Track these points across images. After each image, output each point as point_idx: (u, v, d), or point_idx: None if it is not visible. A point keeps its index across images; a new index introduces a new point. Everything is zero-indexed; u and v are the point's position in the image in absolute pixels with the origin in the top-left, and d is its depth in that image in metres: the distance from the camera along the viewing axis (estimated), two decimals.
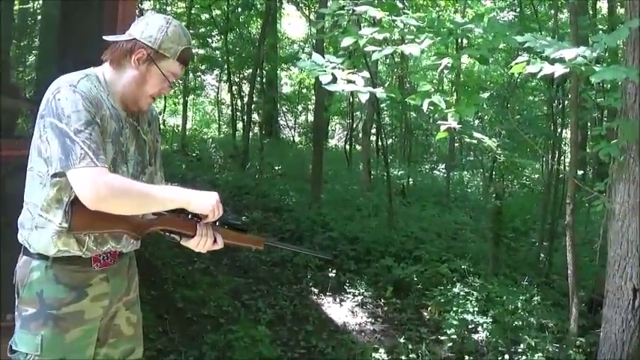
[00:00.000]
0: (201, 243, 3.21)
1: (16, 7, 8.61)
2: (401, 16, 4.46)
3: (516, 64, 4.07)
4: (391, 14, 4.40)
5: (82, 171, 2.90)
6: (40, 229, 3.13)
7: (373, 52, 4.47)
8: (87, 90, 3.05)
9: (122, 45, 3.16)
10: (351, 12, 4.67)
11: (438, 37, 4.41)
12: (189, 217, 3.20)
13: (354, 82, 4.28)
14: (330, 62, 4.41)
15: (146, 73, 3.16)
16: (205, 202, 3.16)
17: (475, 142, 6.61)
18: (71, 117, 2.95)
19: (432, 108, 4.44)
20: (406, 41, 4.54)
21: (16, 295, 3.23)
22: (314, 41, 18.61)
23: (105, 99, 3.12)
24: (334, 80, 4.33)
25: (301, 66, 4.66)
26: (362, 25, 5.23)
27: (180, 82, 20.26)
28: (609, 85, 8.90)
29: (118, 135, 3.16)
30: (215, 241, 3.25)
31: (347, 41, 4.43)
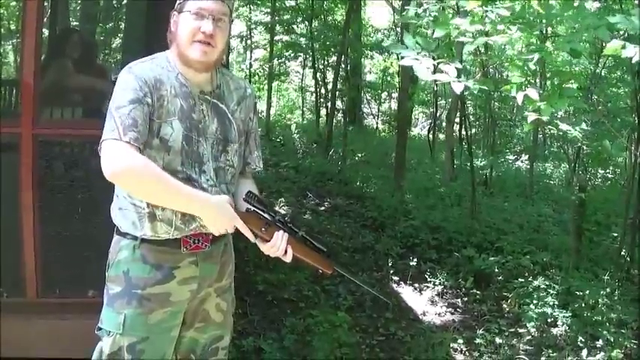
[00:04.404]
0: (272, 250, 3.23)
1: None
2: (492, 6, 4.41)
3: (611, 46, 3.98)
4: (483, 5, 4.35)
5: (106, 143, 2.98)
6: (124, 210, 3.21)
7: (465, 43, 4.43)
8: (143, 71, 3.12)
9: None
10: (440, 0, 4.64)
11: (529, 28, 4.35)
12: (269, 225, 3.23)
13: (446, 73, 4.24)
14: (423, 48, 4.37)
15: (177, 26, 3.20)
16: (215, 224, 3.16)
17: (562, 133, 6.54)
18: (119, 94, 3.05)
19: (525, 98, 4.36)
20: (496, 32, 4.48)
21: (106, 273, 3.30)
22: (398, 30, 18.57)
23: (173, 78, 3.18)
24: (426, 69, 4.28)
25: (392, 49, 4.63)
26: (447, 13, 5.20)
27: (265, 68, 20.45)
28: None
29: (189, 112, 3.19)
30: (286, 252, 3.25)
31: (439, 32, 4.39)
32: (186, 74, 3.21)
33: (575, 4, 4.40)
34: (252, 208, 3.24)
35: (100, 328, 3.26)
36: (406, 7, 5.12)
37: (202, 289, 3.34)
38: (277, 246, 3.21)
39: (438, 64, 4.35)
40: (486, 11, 4.38)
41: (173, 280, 3.22)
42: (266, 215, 3.24)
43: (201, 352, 3.48)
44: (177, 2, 3.20)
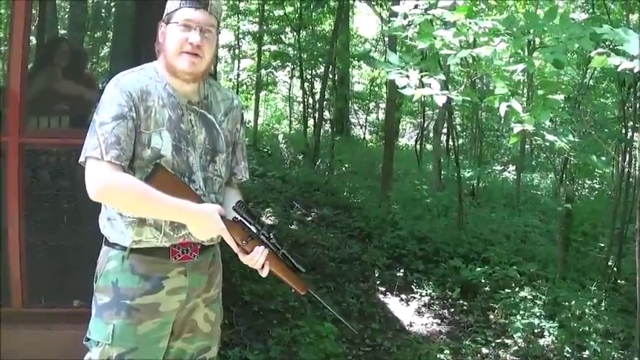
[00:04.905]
0: (251, 262, 3.23)
1: None
2: (476, 18, 4.43)
3: (598, 54, 3.98)
4: (468, 17, 4.37)
5: (88, 162, 3.01)
6: (112, 220, 3.20)
7: (448, 55, 4.45)
8: (130, 83, 3.12)
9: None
10: (424, 12, 4.64)
11: (512, 39, 4.36)
12: (251, 238, 3.23)
13: (429, 86, 4.26)
14: (406, 63, 4.40)
15: (165, 37, 3.20)
16: (202, 232, 3.20)
17: (548, 144, 6.56)
18: (104, 109, 3.06)
19: (508, 110, 4.39)
20: (479, 43, 4.51)
21: (94, 284, 3.29)
22: (386, 40, 18.60)
23: (160, 89, 3.18)
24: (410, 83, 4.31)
25: (378, 66, 4.66)
26: (434, 25, 5.21)
27: (253, 77, 20.44)
28: None
29: (178, 122, 3.20)
30: (263, 267, 3.26)
31: (423, 44, 4.41)
32: (174, 85, 3.21)
33: (560, 10, 4.41)
34: (239, 218, 3.24)
35: (89, 339, 3.25)
36: (392, 19, 5.13)
37: (191, 299, 3.33)
38: (255, 260, 3.22)
39: (423, 76, 4.37)
40: (470, 23, 4.39)
41: (162, 291, 3.22)
42: (251, 227, 3.24)
43: None
44: (165, 13, 3.20)
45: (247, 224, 3.23)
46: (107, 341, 3.17)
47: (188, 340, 3.41)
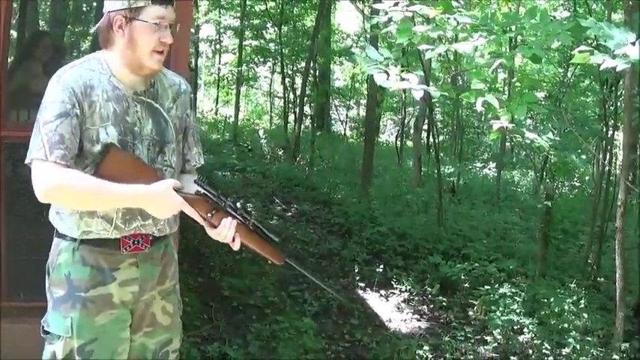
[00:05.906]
0: (220, 236, 3.17)
1: None
2: (455, 14, 4.44)
3: (580, 52, 3.97)
4: (445, 12, 4.38)
5: (34, 164, 2.98)
6: (60, 213, 3.19)
7: (426, 50, 4.46)
8: (73, 79, 3.05)
9: (101, 25, 3.17)
10: (404, 9, 4.65)
11: (492, 35, 4.37)
12: (217, 210, 3.16)
13: (407, 80, 4.27)
14: (385, 58, 4.41)
15: (132, 34, 3.10)
16: (161, 211, 3.14)
17: (528, 141, 6.59)
18: (47, 108, 3.01)
19: (485, 107, 4.40)
20: (459, 39, 4.53)
21: (46, 277, 3.27)
22: (367, 36, 18.60)
23: (105, 81, 3.11)
24: (388, 77, 4.32)
25: (356, 61, 4.67)
26: (416, 21, 5.22)
27: (234, 72, 20.40)
28: None
29: (123, 115, 3.13)
30: (234, 240, 3.20)
31: (401, 39, 4.42)
32: (120, 76, 3.15)
33: (540, 6, 4.43)
34: (202, 191, 3.18)
35: (48, 332, 3.22)
36: (373, 16, 5.15)
37: (145, 291, 3.29)
38: (224, 234, 3.16)
39: (402, 71, 4.38)
40: (448, 18, 4.41)
41: (114, 282, 3.19)
42: (215, 200, 3.19)
43: (152, 358, 3.43)
44: (128, 7, 3.09)
45: (211, 196, 3.19)
46: (67, 334, 3.15)
47: (149, 334, 3.38)
